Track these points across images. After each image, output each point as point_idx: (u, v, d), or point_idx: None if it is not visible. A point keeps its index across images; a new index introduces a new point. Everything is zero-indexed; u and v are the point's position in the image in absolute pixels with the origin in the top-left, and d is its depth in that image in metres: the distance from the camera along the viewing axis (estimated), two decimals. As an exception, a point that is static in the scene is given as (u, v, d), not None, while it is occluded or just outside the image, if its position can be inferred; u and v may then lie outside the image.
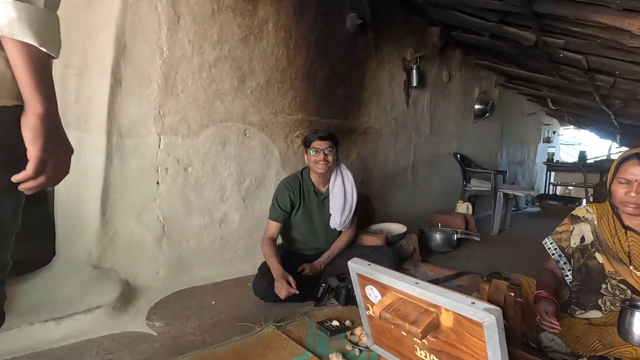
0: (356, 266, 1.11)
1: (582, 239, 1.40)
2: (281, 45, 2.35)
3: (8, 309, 1.46)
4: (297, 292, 1.72)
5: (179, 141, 1.98)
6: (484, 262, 2.77)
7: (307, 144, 2.02)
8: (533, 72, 4.00)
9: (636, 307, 1.14)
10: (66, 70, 1.70)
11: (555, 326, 1.17)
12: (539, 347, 1.45)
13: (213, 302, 1.85)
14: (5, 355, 1.29)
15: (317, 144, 1.97)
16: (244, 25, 2.16)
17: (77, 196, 1.75)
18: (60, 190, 1.75)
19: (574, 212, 1.48)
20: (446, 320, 0.88)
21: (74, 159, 1.75)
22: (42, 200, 1.99)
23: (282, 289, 1.71)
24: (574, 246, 1.41)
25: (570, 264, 1.44)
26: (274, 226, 2.00)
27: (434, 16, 3.40)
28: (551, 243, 1.48)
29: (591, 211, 1.42)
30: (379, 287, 1.05)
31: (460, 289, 1.73)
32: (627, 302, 1.17)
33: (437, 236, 2.97)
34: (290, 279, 1.75)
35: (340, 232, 2.17)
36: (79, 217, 1.75)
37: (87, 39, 1.71)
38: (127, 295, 1.75)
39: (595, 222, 1.38)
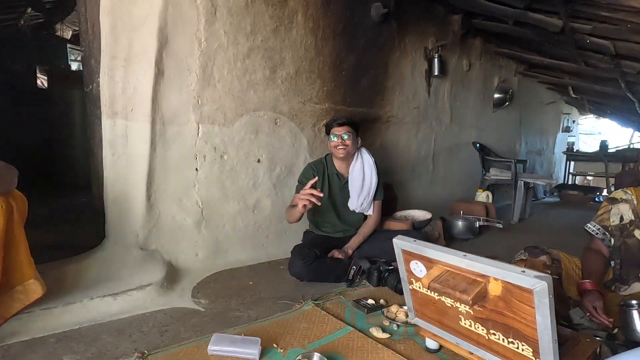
0: (401, 242, 1.18)
1: (621, 218, 1.44)
2: (310, 35, 2.41)
3: (69, 284, 1.59)
4: (322, 194, 1.82)
5: (215, 129, 2.07)
6: (506, 248, 2.79)
7: (327, 130, 2.12)
8: (556, 60, 3.95)
9: (631, 305, 1.20)
10: (113, 61, 1.79)
11: (606, 322, 1.21)
12: (570, 325, 1.50)
13: (251, 283, 1.95)
14: (74, 325, 1.41)
15: (336, 129, 2.06)
16: (275, 16, 2.22)
17: (125, 181, 1.85)
18: (110, 176, 1.86)
19: (611, 195, 1.52)
20: (494, 289, 0.95)
21: (122, 147, 1.85)
22: (89, 189, 2.10)
23: (306, 195, 1.80)
24: (613, 224, 1.45)
25: (612, 242, 1.47)
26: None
27: (456, 4, 3.39)
28: (594, 225, 1.52)
29: (629, 192, 1.46)
30: (424, 261, 1.12)
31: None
32: (622, 303, 1.23)
33: (460, 223, 3.02)
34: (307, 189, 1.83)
35: (365, 215, 2.24)
36: (127, 201, 1.86)
37: (132, 32, 1.79)
38: (172, 275, 1.86)
39: (635, 202, 1.43)
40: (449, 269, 1.04)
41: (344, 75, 2.66)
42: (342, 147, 2.05)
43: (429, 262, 1.10)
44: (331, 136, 2.08)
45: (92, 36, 1.91)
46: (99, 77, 1.84)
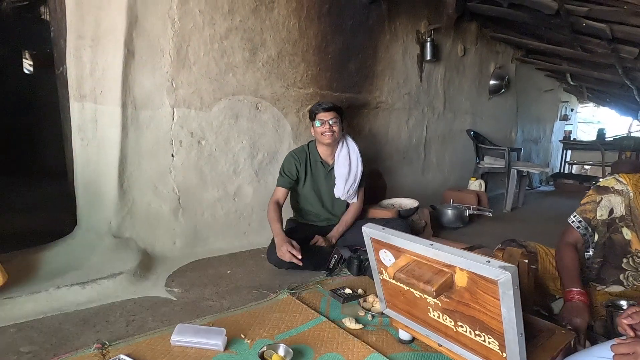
0: (370, 230, 1.12)
1: (611, 211, 1.27)
2: (292, 16, 2.31)
3: (36, 273, 1.54)
4: (300, 258, 1.74)
5: (192, 114, 2.00)
6: (495, 237, 2.73)
7: (312, 116, 2.06)
8: (553, 45, 3.85)
9: (619, 307, 1.16)
10: (80, 41, 1.71)
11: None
12: (550, 315, 1.46)
13: (229, 271, 1.91)
14: (37, 314, 1.37)
15: (322, 115, 2.01)
16: (255, -5, 2.12)
17: (96, 167, 1.79)
18: (80, 161, 1.79)
19: (601, 183, 1.32)
20: (460, 280, 0.90)
21: (91, 131, 1.77)
22: (63, 174, 2.04)
23: (285, 253, 1.75)
24: (601, 219, 1.28)
25: (594, 237, 1.33)
26: (280, 191, 2.03)
27: (450, -15, 3.27)
28: (575, 217, 1.34)
29: (623, 181, 1.26)
30: (393, 250, 1.06)
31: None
32: (609, 304, 1.19)
33: (449, 211, 2.97)
34: (294, 243, 1.77)
35: (348, 203, 2.19)
36: (98, 188, 1.80)
37: (100, 10, 1.70)
38: (146, 263, 1.81)
39: (631, 194, 1.24)
40: (416, 258, 0.99)
41: (329, 59, 2.57)
42: (329, 132, 2.00)
43: (397, 251, 1.05)
44: (316, 122, 2.02)
45: (60, 15, 1.82)
46: (68, 58, 1.76)
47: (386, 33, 2.96)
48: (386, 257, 1.10)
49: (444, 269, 0.92)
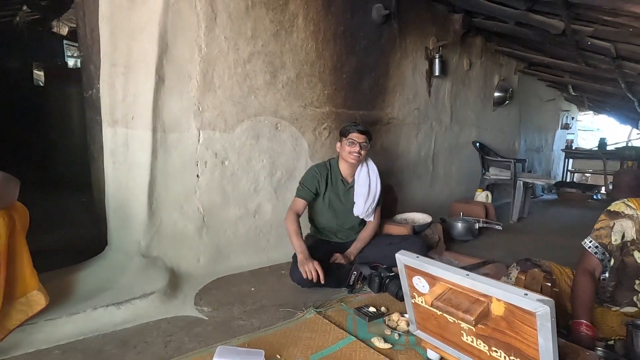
0: (404, 258, 1.18)
1: (623, 235, 1.33)
2: (310, 38, 2.39)
3: (73, 294, 1.59)
4: (322, 279, 1.81)
5: (216, 136, 2.06)
6: (505, 250, 2.83)
7: (345, 133, 2.10)
8: (556, 59, 3.94)
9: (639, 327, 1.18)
10: (113, 69, 1.78)
11: None
12: (568, 333, 1.52)
13: (252, 289, 1.96)
14: (78, 336, 1.42)
15: (356, 136, 2.07)
16: (276, 20, 2.20)
17: (126, 190, 1.85)
18: (112, 185, 1.86)
19: (611, 208, 1.37)
20: (497, 309, 0.96)
21: (122, 155, 1.83)
22: (87, 190, 2.10)
23: (312, 270, 1.80)
24: (615, 243, 1.34)
25: (611, 261, 1.38)
26: (300, 203, 2.06)
27: (457, 3, 3.36)
28: (591, 242, 1.38)
29: (633, 206, 1.31)
30: (427, 277, 1.13)
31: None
32: (630, 323, 1.20)
33: (459, 225, 3.03)
34: (317, 264, 1.83)
35: (364, 220, 2.26)
36: (129, 210, 1.86)
37: (132, 39, 1.77)
38: (174, 282, 1.87)
39: None
40: (451, 286, 1.05)
41: (344, 78, 2.65)
42: (356, 154, 2.07)
43: (431, 279, 1.11)
44: (348, 141, 2.07)
45: (91, 41, 1.89)
46: (98, 84, 1.83)
47: (397, 51, 3.04)
48: (420, 283, 1.16)
49: (481, 298, 0.98)
